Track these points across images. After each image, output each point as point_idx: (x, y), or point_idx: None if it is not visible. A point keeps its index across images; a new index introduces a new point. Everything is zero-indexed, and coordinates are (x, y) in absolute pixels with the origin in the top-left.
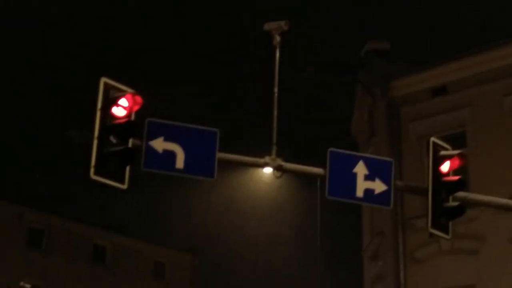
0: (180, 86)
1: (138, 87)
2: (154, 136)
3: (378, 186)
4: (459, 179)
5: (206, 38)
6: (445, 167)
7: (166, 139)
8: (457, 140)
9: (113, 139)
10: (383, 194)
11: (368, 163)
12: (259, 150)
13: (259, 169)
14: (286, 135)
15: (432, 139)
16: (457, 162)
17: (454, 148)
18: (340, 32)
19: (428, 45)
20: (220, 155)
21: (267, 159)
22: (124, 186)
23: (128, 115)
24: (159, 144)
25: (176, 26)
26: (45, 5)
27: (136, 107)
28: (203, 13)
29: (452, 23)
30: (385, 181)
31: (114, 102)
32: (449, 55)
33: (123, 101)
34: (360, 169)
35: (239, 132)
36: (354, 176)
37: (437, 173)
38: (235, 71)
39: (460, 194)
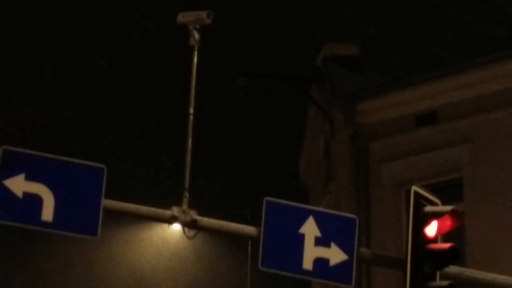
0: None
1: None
2: (11, 173)
3: (335, 255)
4: (451, 248)
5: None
6: (431, 229)
7: (28, 178)
8: (450, 191)
9: None
10: (342, 266)
11: (322, 221)
12: (166, 200)
13: (165, 226)
14: (205, 178)
15: (414, 188)
16: (448, 222)
17: (445, 202)
18: (288, 30)
19: (413, 53)
20: (107, 203)
21: (175, 211)
22: None
23: None
24: (18, 185)
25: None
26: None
27: None
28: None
29: (446, 25)
30: (345, 247)
31: None
32: (442, 68)
33: None
34: (310, 229)
35: (141, 174)
36: (300, 238)
37: (420, 238)
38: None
39: (452, 269)
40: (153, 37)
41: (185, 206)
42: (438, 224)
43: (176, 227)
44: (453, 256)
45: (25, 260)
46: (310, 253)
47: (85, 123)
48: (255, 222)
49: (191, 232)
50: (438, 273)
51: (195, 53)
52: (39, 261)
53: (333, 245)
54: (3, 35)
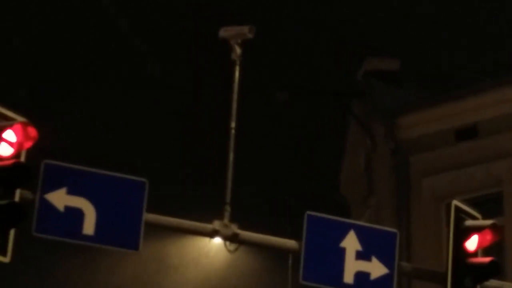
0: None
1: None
2: (53, 187)
3: (376, 269)
4: (491, 262)
5: None
6: (471, 243)
7: (70, 192)
8: (490, 205)
9: None
10: (383, 280)
11: (363, 235)
12: (208, 214)
13: (206, 240)
14: (246, 192)
15: (455, 202)
16: (489, 236)
17: (485, 217)
18: (328, 45)
19: (453, 67)
20: (149, 217)
21: (216, 224)
22: (7, 259)
23: (16, 155)
24: (59, 199)
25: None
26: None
27: (28, 144)
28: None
29: (485, 38)
30: (386, 261)
31: None
32: (482, 82)
33: (9, 135)
34: (351, 243)
35: (183, 188)
36: (341, 252)
37: (461, 252)
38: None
39: (493, 283)
40: (195, 51)
41: (226, 220)
42: (478, 238)
43: (217, 241)
44: (494, 270)
45: (53, 268)
46: (351, 266)
47: (125, 136)
48: (295, 235)
49: (232, 246)
50: (478, 287)
51: (237, 68)
52: (66, 272)
53: (374, 259)
54: (51, 41)
